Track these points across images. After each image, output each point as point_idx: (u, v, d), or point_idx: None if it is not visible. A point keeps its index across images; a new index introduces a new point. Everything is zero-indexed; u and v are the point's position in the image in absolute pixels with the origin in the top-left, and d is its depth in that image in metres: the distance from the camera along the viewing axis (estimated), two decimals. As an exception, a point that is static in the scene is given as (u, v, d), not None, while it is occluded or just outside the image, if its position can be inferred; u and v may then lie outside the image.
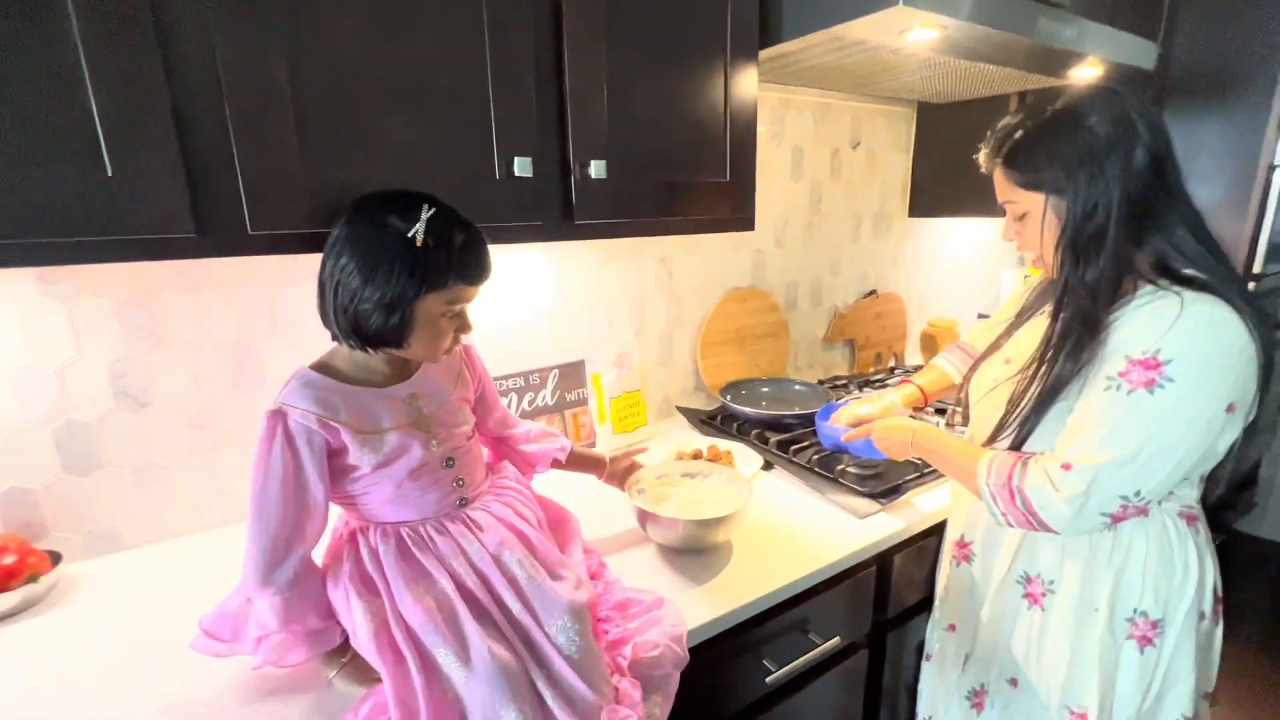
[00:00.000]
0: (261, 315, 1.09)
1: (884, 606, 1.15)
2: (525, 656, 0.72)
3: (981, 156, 0.86)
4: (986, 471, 0.81)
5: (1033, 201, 0.79)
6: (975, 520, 0.99)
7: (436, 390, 0.85)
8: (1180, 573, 0.81)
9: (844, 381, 1.82)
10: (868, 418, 1.17)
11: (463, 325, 0.78)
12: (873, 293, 2.02)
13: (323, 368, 0.77)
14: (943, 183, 1.94)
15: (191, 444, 1.06)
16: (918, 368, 2.00)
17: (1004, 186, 0.83)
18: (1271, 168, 1.86)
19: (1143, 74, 1.43)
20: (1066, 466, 0.73)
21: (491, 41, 0.86)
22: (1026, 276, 2.15)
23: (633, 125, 1.02)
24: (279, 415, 0.70)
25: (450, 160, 0.87)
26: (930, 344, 2.07)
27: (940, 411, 1.50)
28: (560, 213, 0.99)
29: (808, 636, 1.01)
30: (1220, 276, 0.73)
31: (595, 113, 0.98)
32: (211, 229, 0.73)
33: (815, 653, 1.00)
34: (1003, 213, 0.87)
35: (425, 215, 0.69)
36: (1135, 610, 0.82)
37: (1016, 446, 0.84)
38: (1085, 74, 1.40)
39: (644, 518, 0.97)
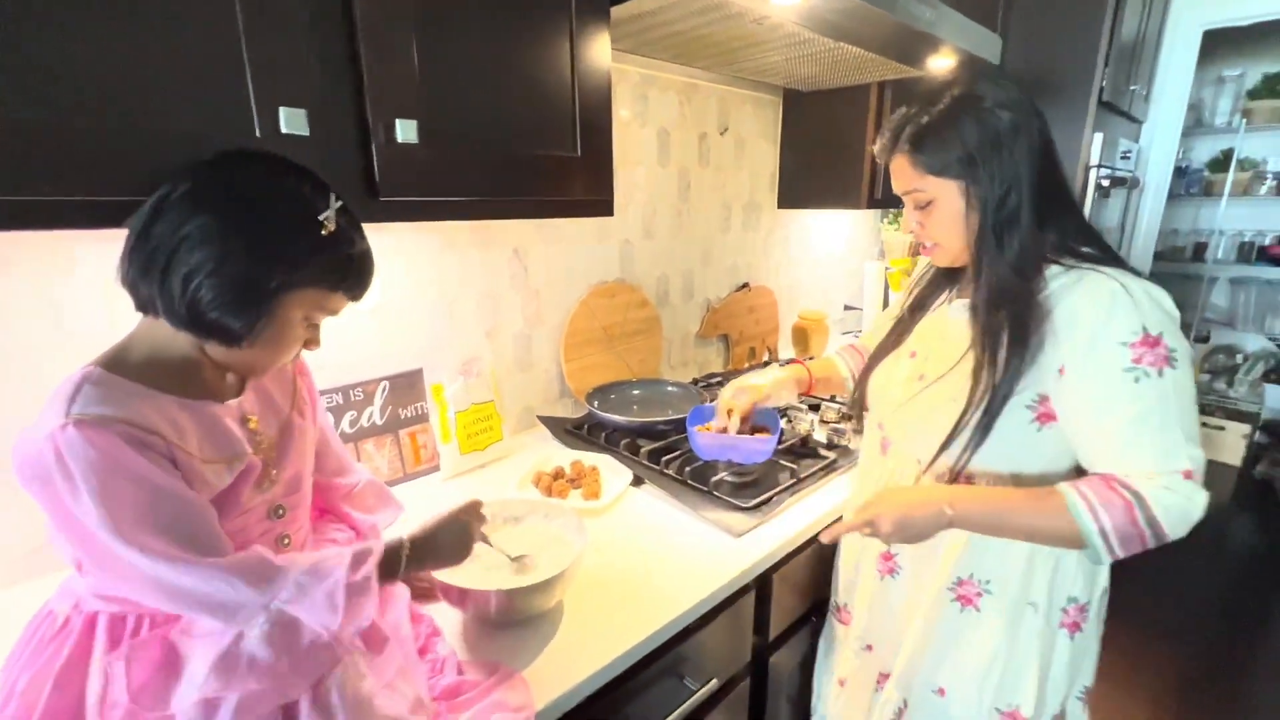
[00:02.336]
0: None
1: (765, 629, 1.06)
2: None
3: (878, 147, 0.81)
4: (1092, 517, 0.68)
5: (942, 188, 0.76)
6: None
7: (274, 407, 0.68)
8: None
9: (719, 379, 1.73)
10: (754, 388, 1.08)
11: (313, 339, 0.65)
12: (745, 286, 1.96)
13: (119, 367, 0.56)
14: (810, 174, 1.92)
15: None
16: (791, 361, 1.98)
17: (909, 175, 0.78)
18: (1088, 168, 2.02)
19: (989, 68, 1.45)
20: (1188, 474, 0.67)
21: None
22: (888, 269, 2.21)
23: (454, 79, 0.82)
24: (84, 427, 0.50)
25: (180, 104, 0.62)
26: (802, 337, 2.06)
27: (846, 418, 1.44)
28: (361, 187, 0.77)
29: (684, 682, 0.88)
30: (1110, 252, 0.75)
31: (400, 57, 0.76)
32: None
33: (693, 700, 0.88)
34: (898, 203, 0.81)
35: (335, 203, 0.58)
36: (1068, 598, 0.81)
37: (971, 455, 0.77)
38: (940, 63, 1.40)
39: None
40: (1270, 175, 3.24)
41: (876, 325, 1.10)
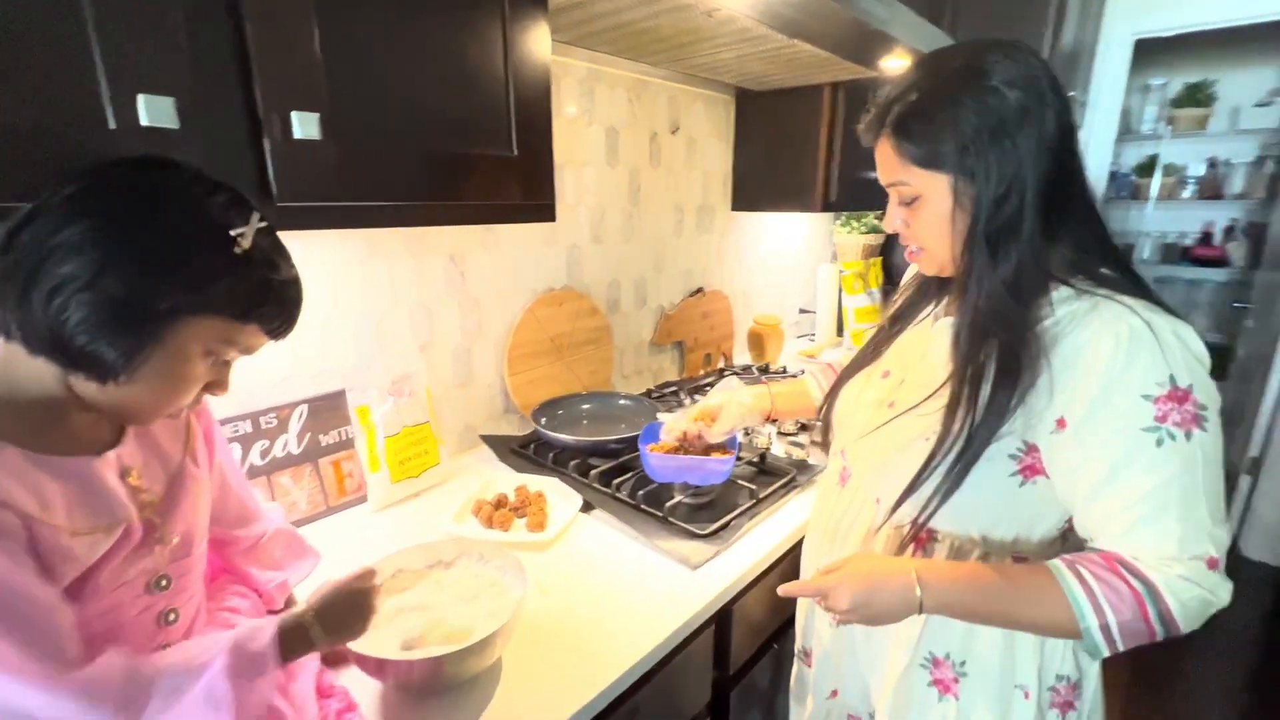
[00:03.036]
0: None
1: (725, 663, 0.99)
2: None
3: (862, 125, 0.69)
4: (1094, 611, 0.56)
5: (930, 183, 0.63)
6: None
7: (160, 455, 0.57)
8: None
9: (674, 388, 1.67)
10: (709, 411, 1.01)
11: (219, 381, 0.55)
12: (699, 291, 1.90)
13: None
14: (763, 175, 1.87)
15: None
16: (746, 368, 1.93)
17: (893, 164, 0.65)
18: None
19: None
20: (1213, 562, 0.56)
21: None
22: (842, 272, 2.19)
23: (366, 66, 0.72)
24: None
25: (9, 92, 0.50)
26: (757, 342, 2.01)
27: (804, 428, 1.39)
28: (253, 190, 0.66)
29: (638, 735, 0.81)
30: (1133, 276, 0.62)
31: (297, 38, 0.66)
32: None
33: (648, 754, 0.80)
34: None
35: (256, 220, 0.50)
36: (1057, 677, 0.69)
37: (937, 507, 0.65)
38: (893, 64, 1.36)
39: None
40: (1191, 180, 3.41)
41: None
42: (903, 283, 0.88)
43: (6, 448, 0.45)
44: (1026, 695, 0.68)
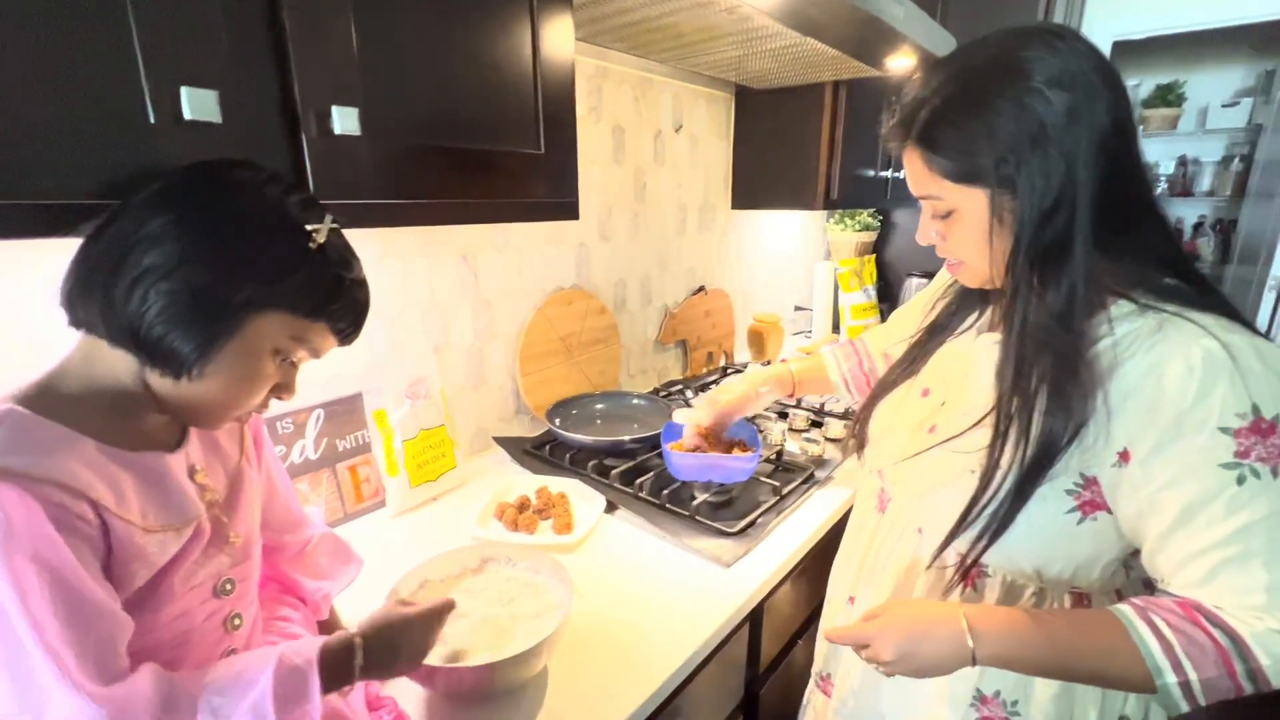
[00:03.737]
0: None
1: (756, 661, 0.99)
2: None
3: (885, 130, 0.63)
4: (1172, 668, 0.50)
5: (965, 197, 0.57)
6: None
7: (220, 454, 0.56)
8: None
9: (679, 386, 1.67)
10: (728, 406, 0.99)
11: (286, 385, 0.54)
12: (701, 289, 1.90)
13: (46, 404, 0.45)
14: (763, 174, 1.88)
15: None
16: (746, 365, 1.94)
17: (923, 177, 0.59)
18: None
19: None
20: None
21: None
22: (837, 270, 2.21)
23: (400, 61, 0.70)
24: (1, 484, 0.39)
25: (44, 83, 0.47)
26: (758, 340, 2.02)
27: (816, 425, 1.39)
28: (289, 187, 0.64)
29: (681, 736, 0.80)
30: (1207, 287, 0.56)
31: (335, 33, 0.64)
32: None
33: (692, 755, 0.80)
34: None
35: (329, 220, 0.50)
36: (1121, 718, 0.63)
37: (987, 546, 0.60)
38: (899, 63, 1.38)
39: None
40: (1163, 178, 3.53)
41: (885, 329, 0.96)
42: (933, 287, 0.82)
43: (84, 439, 0.44)
44: None
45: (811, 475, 1.18)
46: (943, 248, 0.65)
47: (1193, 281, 0.57)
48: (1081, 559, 0.60)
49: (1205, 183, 3.42)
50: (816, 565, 1.03)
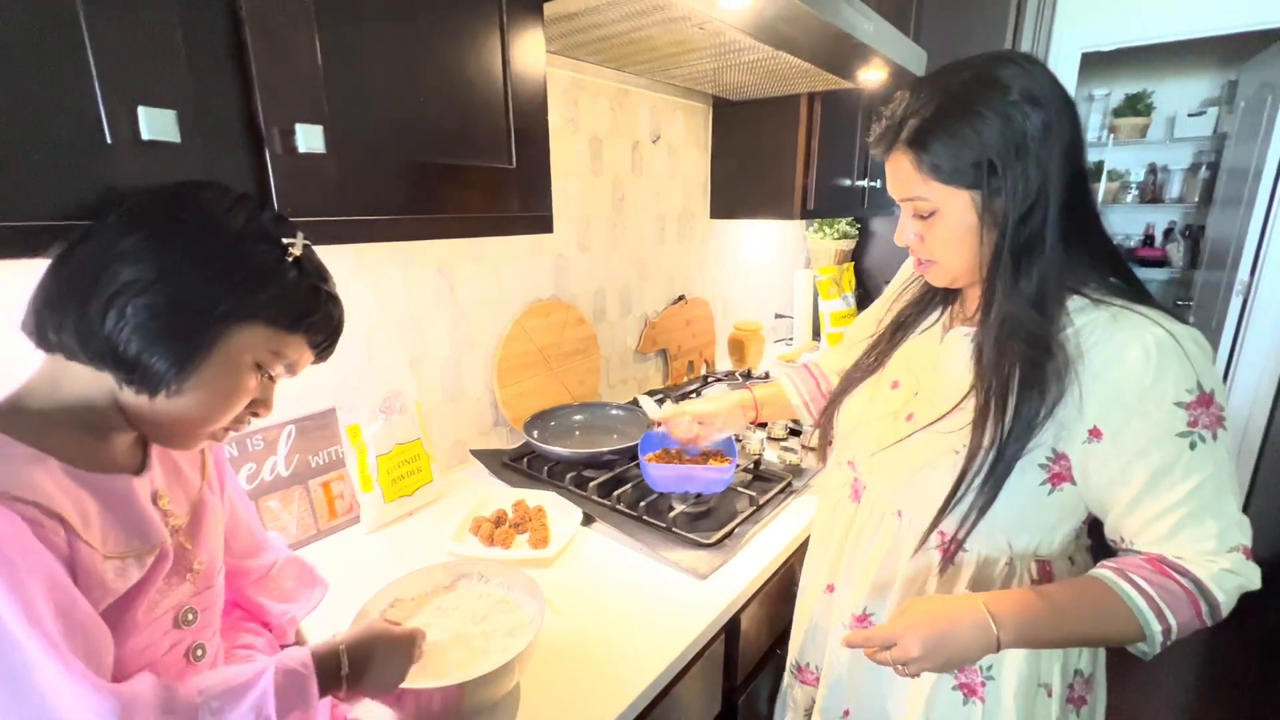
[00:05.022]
0: None
1: (734, 672, 0.99)
2: None
3: (872, 137, 0.68)
4: (1157, 617, 0.58)
5: (951, 199, 0.63)
6: (884, 587, 0.75)
7: (182, 481, 0.55)
8: None
9: (660, 396, 1.67)
10: (704, 415, 1.02)
11: (264, 401, 0.54)
12: (681, 298, 1.91)
13: (11, 421, 0.45)
14: (741, 184, 1.89)
15: None
16: (730, 373, 1.94)
17: (910, 179, 0.65)
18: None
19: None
20: (1247, 552, 0.59)
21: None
22: (817, 278, 2.23)
23: (366, 78, 0.70)
24: None
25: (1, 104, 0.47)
26: (738, 348, 2.03)
27: (795, 433, 1.40)
28: (253, 205, 0.63)
29: (657, 751, 0.80)
30: (1140, 286, 0.64)
31: (298, 50, 0.63)
32: None
33: (668, 769, 0.79)
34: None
35: (301, 237, 0.51)
36: (1075, 672, 0.71)
37: (975, 521, 0.65)
38: (871, 76, 1.40)
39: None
40: (1134, 184, 3.61)
41: (844, 344, 1.00)
42: (893, 289, 0.88)
43: (50, 459, 0.44)
44: (1049, 693, 0.69)
45: (789, 484, 1.18)
46: (919, 248, 0.70)
47: (1128, 280, 0.65)
48: (1046, 528, 0.68)
49: (1175, 189, 3.50)
50: (793, 574, 1.03)
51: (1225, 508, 0.59)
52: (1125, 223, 3.74)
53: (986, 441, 0.63)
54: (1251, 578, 0.59)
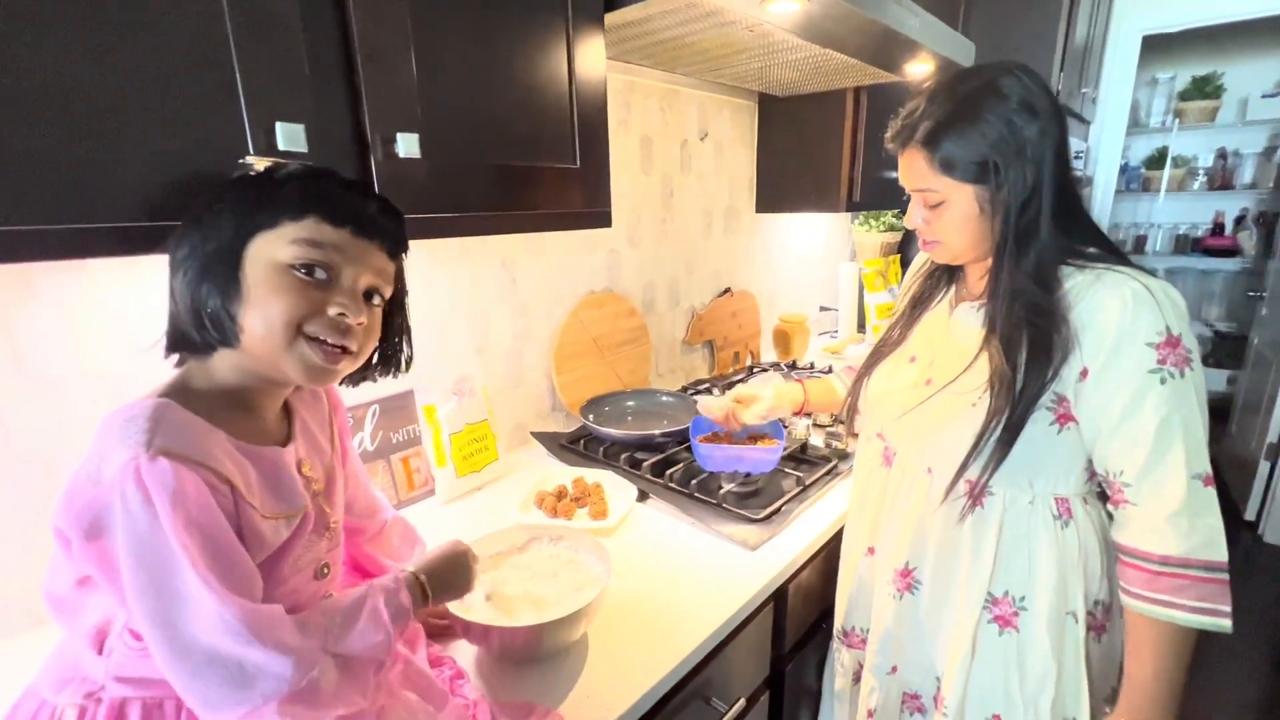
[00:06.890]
0: None
1: (781, 641, 1.05)
2: None
3: (889, 134, 0.78)
4: (1210, 616, 0.67)
5: (957, 191, 0.73)
6: (922, 541, 0.84)
7: (318, 450, 0.63)
8: (1112, 551, 0.78)
9: (706, 385, 1.73)
10: (748, 398, 1.10)
11: (327, 299, 0.53)
12: (727, 291, 1.96)
13: (185, 400, 0.51)
14: (786, 178, 1.93)
15: None
16: (775, 365, 1.99)
17: (922, 173, 0.74)
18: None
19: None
20: (1208, 480, 0.67)
21: (221, -55, 0.57)
22: (863, 270, 2.24)
23: (453, 90, 0.78)
24: (172, 460, 0.46)
25: (165, 123, 0.57)
26: (783, 340, 2.07)
27: (840, 420, 1.44)
28: (358, 204, 0.72)
29: (710, 704, 0.86)
30: (1119, 253, 0.74)
31: (398, 69, 0.72)
32: None
33: (721, 722, 0.86)
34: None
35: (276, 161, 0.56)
36: (1095, 602, 0.78)
37: (995, 468, 0.74)
38: (918, 69, 1.42)
39: (467, 630, 0.72)
40: (1201, 171, 3.45)
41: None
42: (911, 271, 0.98)
43: (219, 432, 0.51)
44: (1076, 620, 0.77)
45: (835, 467, 1.23)
46: (925, 230, 0.80)
47: (1106, 247, 0.74)
48: (1060, 469, 0.75)
49: (1246, 175, 3.34)
50: (838, 552, 1.08)
51: (1192, 436, 0.67)
52: (1191, 211, 3.59)
53: (1003, 397, 0.72)
54: (1210, 507, 0.67)
